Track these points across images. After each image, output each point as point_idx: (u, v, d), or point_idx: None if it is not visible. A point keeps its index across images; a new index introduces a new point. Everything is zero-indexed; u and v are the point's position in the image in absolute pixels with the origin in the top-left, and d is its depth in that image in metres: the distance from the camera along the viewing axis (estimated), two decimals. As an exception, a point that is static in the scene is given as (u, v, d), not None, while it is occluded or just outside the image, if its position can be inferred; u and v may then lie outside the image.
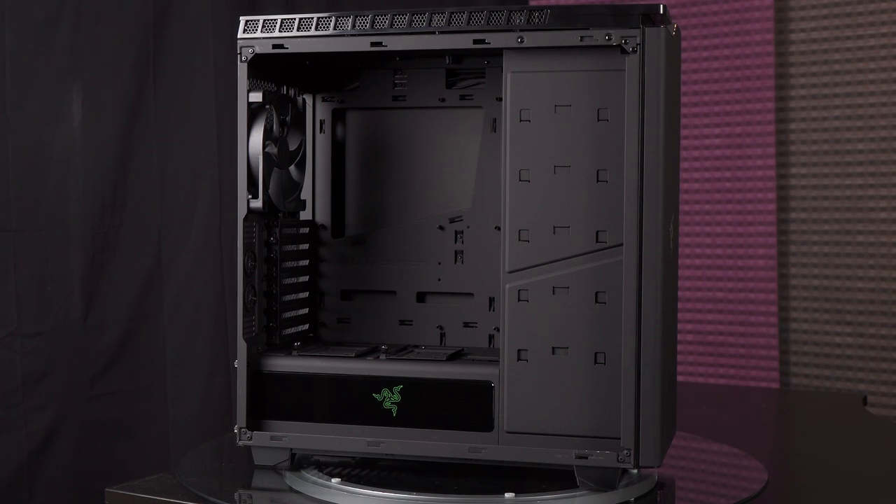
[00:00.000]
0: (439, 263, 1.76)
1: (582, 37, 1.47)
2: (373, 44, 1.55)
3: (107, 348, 2.53)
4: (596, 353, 1.49)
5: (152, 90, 2.59)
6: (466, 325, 1.75)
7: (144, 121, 2.58)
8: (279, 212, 1.71)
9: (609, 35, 1.46)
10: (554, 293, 1.50)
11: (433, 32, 1.54)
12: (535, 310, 1.51)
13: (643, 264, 1.45)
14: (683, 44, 2.63)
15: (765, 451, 1.92)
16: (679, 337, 2.67)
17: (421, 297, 1.77)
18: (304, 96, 1.80)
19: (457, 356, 1.63)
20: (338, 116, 1.81)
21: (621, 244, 1.46)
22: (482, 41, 1.51)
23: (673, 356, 1.59)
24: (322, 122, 1.80)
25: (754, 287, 3.24)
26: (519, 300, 1.51)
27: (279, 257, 1.69)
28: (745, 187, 3.24)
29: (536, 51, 1.50)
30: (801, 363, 3.26)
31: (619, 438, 1.47)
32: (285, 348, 1.68)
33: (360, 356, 1.62)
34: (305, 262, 1.79)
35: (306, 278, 1.79)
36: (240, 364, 1.60)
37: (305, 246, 1.79)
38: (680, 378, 2.00)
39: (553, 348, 1.50)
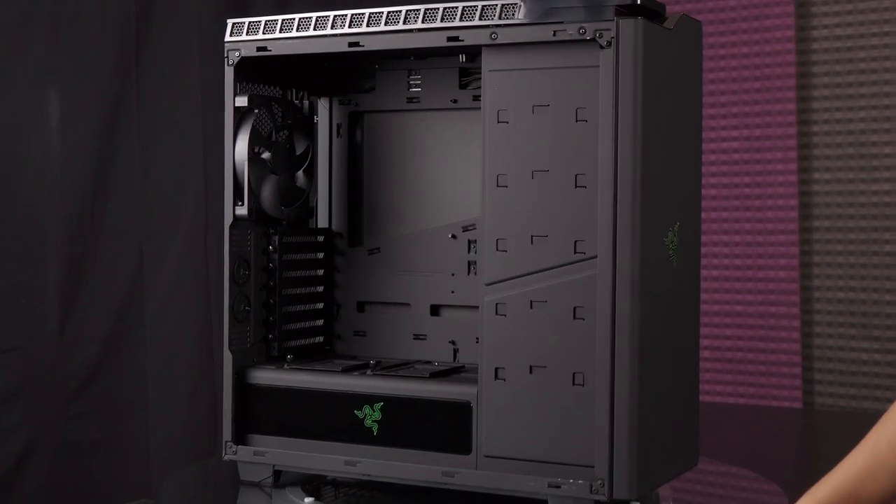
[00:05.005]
0: (452, 274, 1.74)
1: (555, 31, 1.45)
2: (350, 44, 1.57)
3: (85, 364, 2.52)
4: (574, 374, 1.45)
5: (134, 91, 2.58)
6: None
7: (126, 123, 2.57)
8: (282, 220, 1.72)
9: (583, 28, 1.43)
10: (531, 307, 1.47)
11: (410, 31, 1.54)
12: (512, 325, 1.49)
13: (616, 277, 1.42)
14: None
15: (785, 474, 1.90)
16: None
17: (435, 310, 1.77)
18: (313, 99, 1.81)
19: (447, 373, 1.62)
20: (353, 120, 1.84)
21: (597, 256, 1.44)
22: (456, 38, 1.50)
23: (674, 375, 1.54)
24: (339, 126, 1.82)
25: (775, 300, 3.24)
26: (496, 314, 1.49)
27: (278, 267, 1.70)
28: (766, 193, 3.24)
29: (512, 47, 1.49)
30: (825, 381, 3.23)
31: (594, 467, 1.43)
32: (278, 361, 1.70)
33: (347, 371, 1.62)
34: (315, 272, 1.80)
35: (317, 289, 1.80)
36: (225, 376, 1.63)
37: (316, 255, 1.80)
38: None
39: (531, 367, 1.47)
